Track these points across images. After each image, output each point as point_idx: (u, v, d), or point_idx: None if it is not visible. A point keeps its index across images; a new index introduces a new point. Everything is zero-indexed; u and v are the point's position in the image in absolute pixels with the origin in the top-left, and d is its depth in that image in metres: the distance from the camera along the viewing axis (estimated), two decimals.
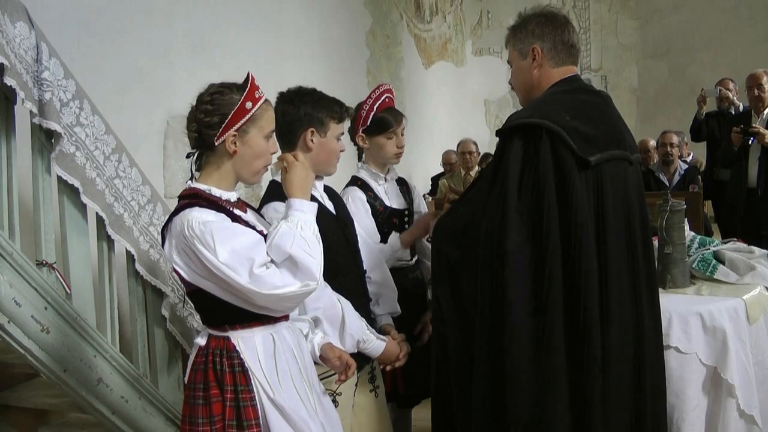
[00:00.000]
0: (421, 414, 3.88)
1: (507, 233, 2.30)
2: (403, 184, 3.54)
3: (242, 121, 2.25)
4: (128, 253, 3.54)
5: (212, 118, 2.24)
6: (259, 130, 2.30)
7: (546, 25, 2.60)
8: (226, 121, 2.24)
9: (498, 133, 2.49)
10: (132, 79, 5.08)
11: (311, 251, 2.19)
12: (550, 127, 2.33)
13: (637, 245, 2.49)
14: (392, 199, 3.42)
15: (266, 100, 2.34)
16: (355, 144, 3.41)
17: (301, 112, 2.73)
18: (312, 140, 2.74)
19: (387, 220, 3.36)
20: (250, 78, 2.30)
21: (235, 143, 2.26)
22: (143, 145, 4.94)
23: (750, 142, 5.60)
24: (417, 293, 3.48)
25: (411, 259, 3.50)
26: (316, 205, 2.34)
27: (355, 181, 3.40)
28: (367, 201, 3.33)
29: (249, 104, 2.25)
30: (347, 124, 3.02)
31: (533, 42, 2.59)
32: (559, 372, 2.30)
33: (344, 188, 3.38)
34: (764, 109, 5.89)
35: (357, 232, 2.99)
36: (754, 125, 5.74)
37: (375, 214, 3.33)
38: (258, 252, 2.16)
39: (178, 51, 5.57)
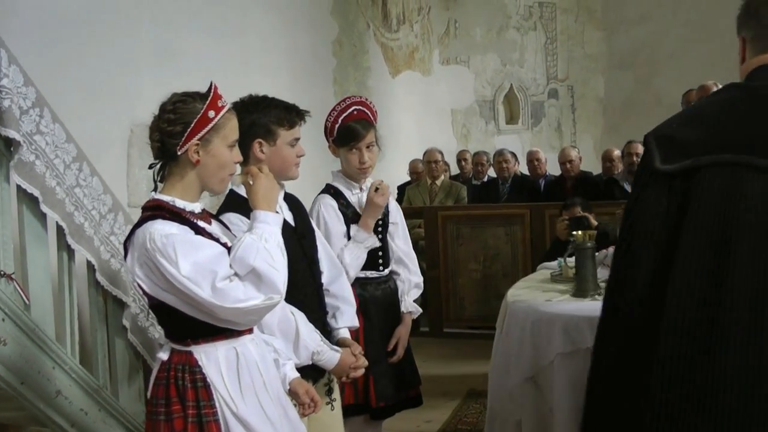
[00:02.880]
0: (393, 425, 3.89)
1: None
2: None
3: (205, 130, 2.22)
4: (89, 263, 3.50)
5: (175, 128, 2.21)
6: (223, 140, 2.28)
7: (748, 11, 2.19)
8: (189, 130, 2.21)
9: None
10: (95, 86, 5.03)
11: (275, 264, 2.18)
12: (646, 138, 2.07)
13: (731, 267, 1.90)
14: None
15: (230, 109, 2.32)
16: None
17: (246, 123, 2.64)
18: (262, 151, 2.71)
19: None
20: (213, 87, 2.27)
21: (198, 152, 2.23)
22: (106, 154, 4.89)
23: None
24: (388, 305, 3.44)
25: (383, 269, 3.46)
26: (281, 217, 2.34)
27: (328, 189, 3.38)
28: (339, 209, 3.30)
29: (212, 113, 2.23)
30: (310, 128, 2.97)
31: (739, 32, 2.21)
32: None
33: (317, 196, 3.36)
34: None
35: (320, 243, 2.96)
36: None
37: (347, 222, 3.30)
38: (221, 265, 2.14)
39: (142, 58, 5.52)
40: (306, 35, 7.91)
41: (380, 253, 3.42)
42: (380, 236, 3.40)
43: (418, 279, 3.58)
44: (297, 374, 2.56)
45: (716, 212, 1.93)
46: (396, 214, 3.56)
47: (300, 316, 2.66)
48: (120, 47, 5.30)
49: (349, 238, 3.28)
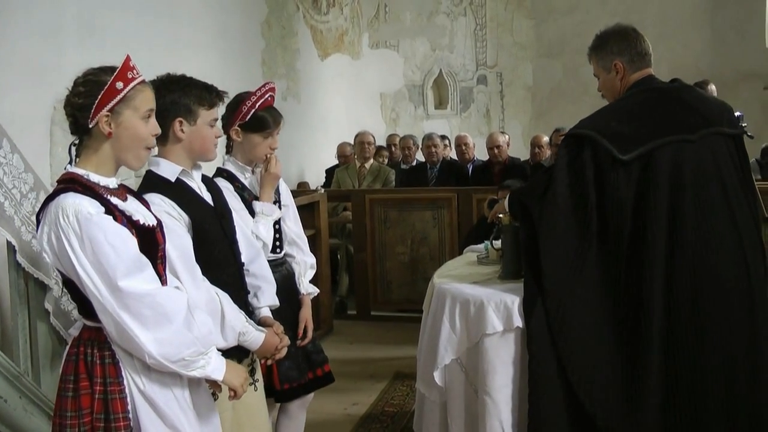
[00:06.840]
0: (321, 408, 3.89)
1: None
2: None
3: (114, 102, 2.21)
4: (9, 243, 3.42)
5: (84, 100, 2.20)
6: (134, 111, 2.25)
7: (622, 42, 3.21)
8: (97, 101, 2.19)
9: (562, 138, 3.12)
10: (17, 60, 4.89)
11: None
12: (590, 135, 2.99)
13: (683, 216, 2.94)
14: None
15: (143, 81, 2.29)
16: (227, 135, 3.37)
17: (167, 101, 2.64)
18: (182, 130, 2.68)
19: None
20: (125, 59, 2.25)
21: (109, 125, 2.22)
22: (28, 131, 4.77)
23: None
24: (287, 287, 3.47)
25: (280, 252, 3.51)
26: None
27: (221, 173, 3.39)
28: (235, 191, 3.32)
29: (120, 84, 2.21)
30: (221, 109, 2.94)
31: (614, 58, 3.20)
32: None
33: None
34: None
35: (236, 224, 2.96)
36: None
37: (244, 203, 3.32)
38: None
39: (67, 33, 5.38)
40: (235, 15, 7.82)
41: (277, 235, 3.47)
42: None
43: (312, 260, 3.67)
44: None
45: (668, 178, 2.92)
46: (286, 197, 3.63)
47: (225, 297, 2.65)
48: (43, 19, 5.16)
49: (252, 215, 3.31)
